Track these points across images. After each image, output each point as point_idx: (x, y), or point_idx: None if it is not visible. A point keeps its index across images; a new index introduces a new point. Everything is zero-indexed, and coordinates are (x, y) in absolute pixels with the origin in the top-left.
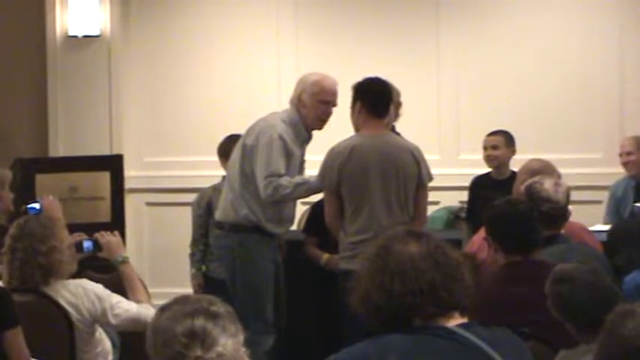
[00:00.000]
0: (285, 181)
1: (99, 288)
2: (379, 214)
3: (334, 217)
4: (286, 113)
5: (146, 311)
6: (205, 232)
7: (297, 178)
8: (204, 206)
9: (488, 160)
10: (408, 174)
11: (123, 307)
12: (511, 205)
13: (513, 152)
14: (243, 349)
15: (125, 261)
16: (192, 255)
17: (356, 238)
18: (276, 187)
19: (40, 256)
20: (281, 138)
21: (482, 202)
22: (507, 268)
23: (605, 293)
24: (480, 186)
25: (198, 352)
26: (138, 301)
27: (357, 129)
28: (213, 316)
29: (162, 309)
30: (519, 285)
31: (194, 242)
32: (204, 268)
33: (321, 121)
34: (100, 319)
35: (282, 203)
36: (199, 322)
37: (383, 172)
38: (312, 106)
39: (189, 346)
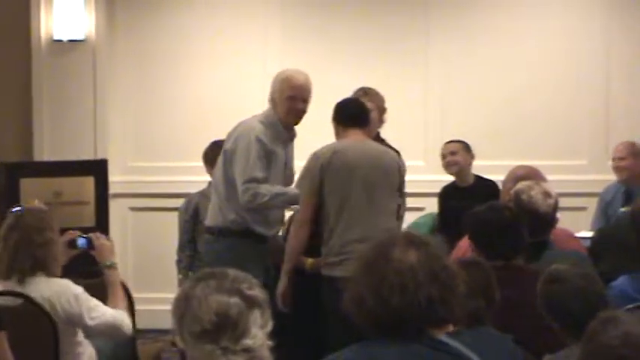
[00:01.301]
0: (264, 189)
1: (78, 289)
2: (362, 216)
3: (308, 219)
4: (264, 114)
5: (121, 317)
6: (192, 237)
7: (277, 188)
8: (192, 212)
9: (448, 166)
10: (391, 177)
11: (100, 310)
12: (494, 211)
13: (472, 158)
14: (268, 342)
15: (113, 266)
16: (179, 261)
17: (340, 241)
18: (254, 194)
19: (34, 247)
20: (258, 140)
21: (450, 212)
22: None
23: (594, 299)
24: (448, 195)
25: (226, 342)
26: (114, 306)
27: None
28: (250, 302)
29: (197, 279)
30: (500, 290)
31: (181, 248)
32: (191, 274)
33: (293, 117)
34: (76, 320)
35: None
36: (235, 302)
37: (365, 174)
38: (280, 103)
39: (219, 327)
